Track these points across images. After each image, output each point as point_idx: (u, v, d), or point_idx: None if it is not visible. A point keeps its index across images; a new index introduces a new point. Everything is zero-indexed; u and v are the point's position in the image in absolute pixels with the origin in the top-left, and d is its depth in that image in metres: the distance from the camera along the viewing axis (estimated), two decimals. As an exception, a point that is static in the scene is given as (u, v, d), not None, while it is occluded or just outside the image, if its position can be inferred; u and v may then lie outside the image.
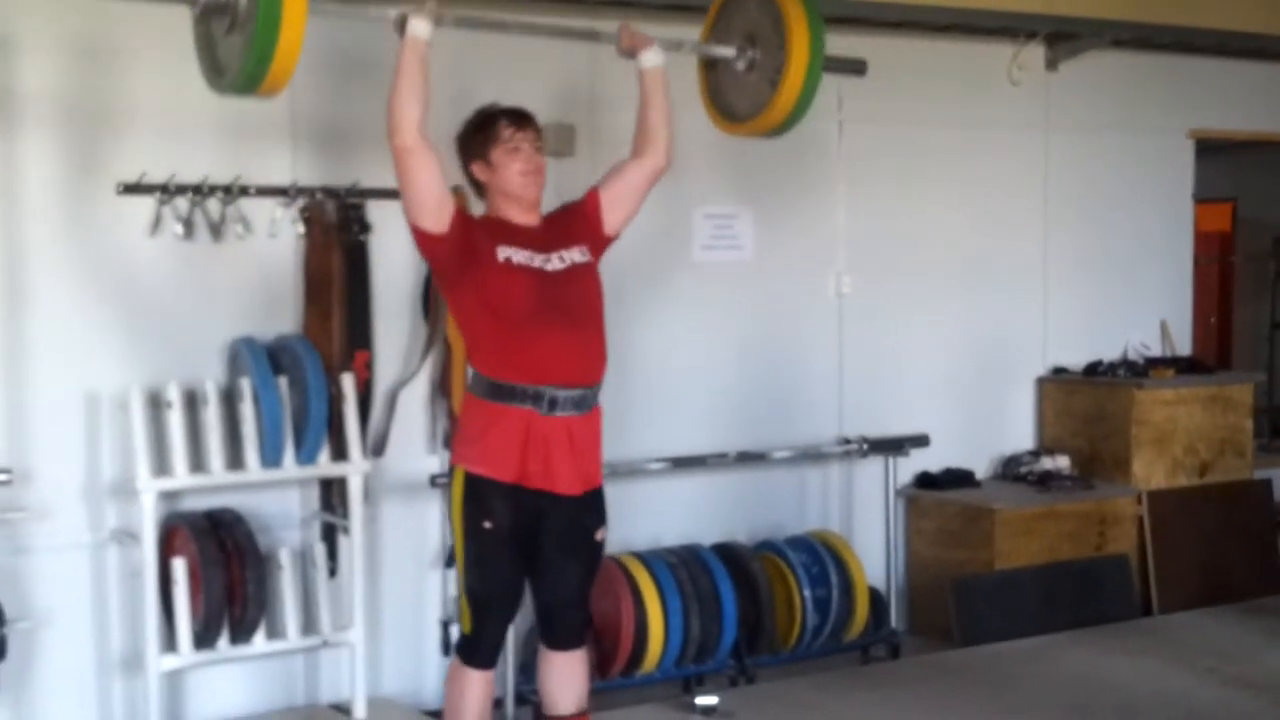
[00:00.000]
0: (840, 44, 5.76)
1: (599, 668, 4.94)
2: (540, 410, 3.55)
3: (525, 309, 3.55)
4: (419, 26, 3.45)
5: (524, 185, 3.65)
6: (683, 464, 5.41)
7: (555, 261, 3.62)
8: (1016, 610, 5.76)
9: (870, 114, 5.91)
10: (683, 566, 5.15)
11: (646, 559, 5.13)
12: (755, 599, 5.21)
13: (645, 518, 5.42)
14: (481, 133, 3.69)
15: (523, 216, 3.68)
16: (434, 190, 3.49)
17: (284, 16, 3.17)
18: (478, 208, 3.83)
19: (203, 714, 4.65)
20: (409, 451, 4.94)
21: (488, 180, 3.69)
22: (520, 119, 3.70)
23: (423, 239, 3.58)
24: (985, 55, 6.21)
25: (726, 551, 5.33)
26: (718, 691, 4.95)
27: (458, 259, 3.57)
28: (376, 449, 4.82)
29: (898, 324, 6.06)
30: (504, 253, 3.58)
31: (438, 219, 3.52)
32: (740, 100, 4.03)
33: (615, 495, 5.19)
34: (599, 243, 3.76)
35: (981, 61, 6.21)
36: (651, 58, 3.77)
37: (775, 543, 5.50)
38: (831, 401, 5.91)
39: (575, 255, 3.67)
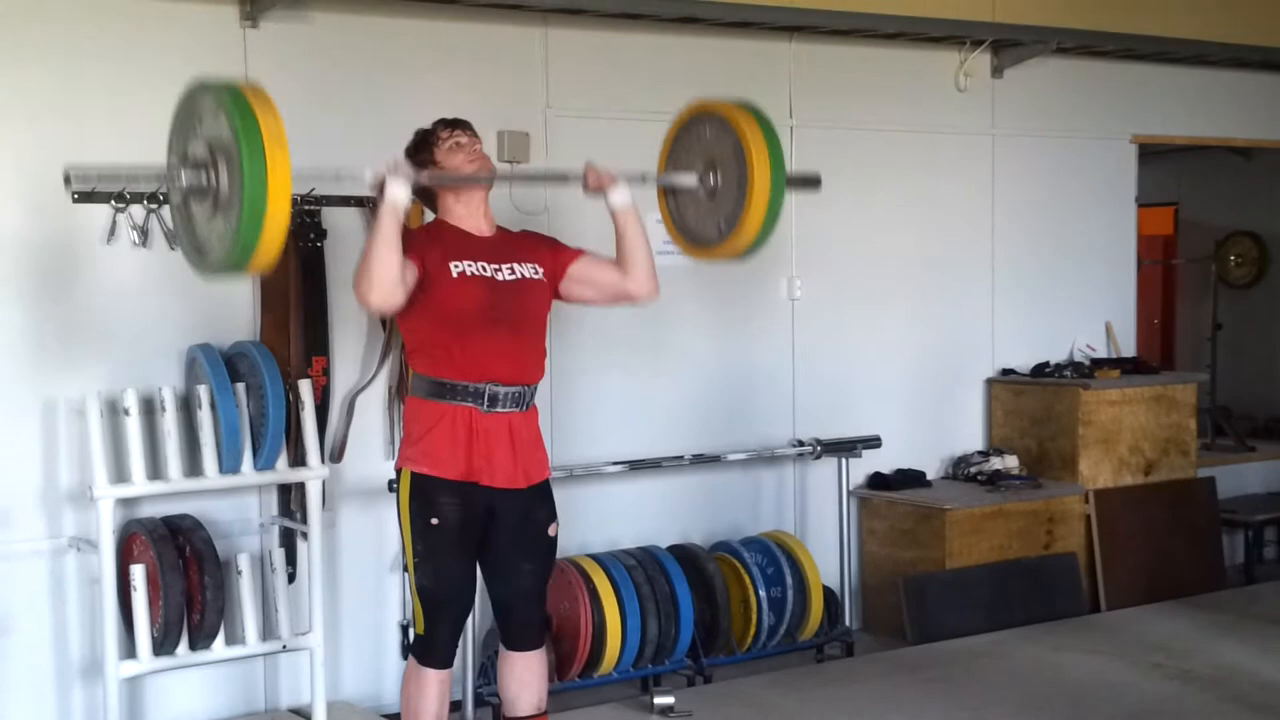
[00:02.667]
0: (790, 50, 5.88)
1: (557, 669, 4.98)
2: (481, 407, 3.64)
3: (472, 313, 3.65)
4: (398, 194, 3.48)
5: (471, 169, 3.75)
6: (639, 466, 5.45)
7: (505, 273, 3.72)
8: (968, 608, 5.85)
9: (820, 120, 5.99)
10: (639, 568, 5.20)
11: (603, 561, 5.19)
12: (711, 599, 5.27)
13: (602, 520, 5.47)
14: (423, 142, 3.82)
15: (474, 222, 3.77)
16: (408, 290, 3.59)
17: (269, 209, 3.08)
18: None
19: (162, 720, 4.66)
20: (367, 456, 4.97)
21: (435, 189, 3.78)
22: (455, 122, 3.83)
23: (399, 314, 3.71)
24: (932, 62, 6.30)
25: (683, 553, 5.39)
26: (675, 691, 5.00)
27: (418, 289, 3.65)
28: (334, 454, 4.84)
29: (849, 327, 6.14)
30: (457, 267, 3.67)
31: (408, 287, 3.61)
32: (704, 226, 3.99)
33: (572, 498, 5.27)
34: (552, 283, 3.85)
35: (929, 68, 6.30)
36: (619, 197, 3.80)
37: (731, 544, 5.56)
38: (785, 404, 5.98)
39: (527, 271, 3.77)
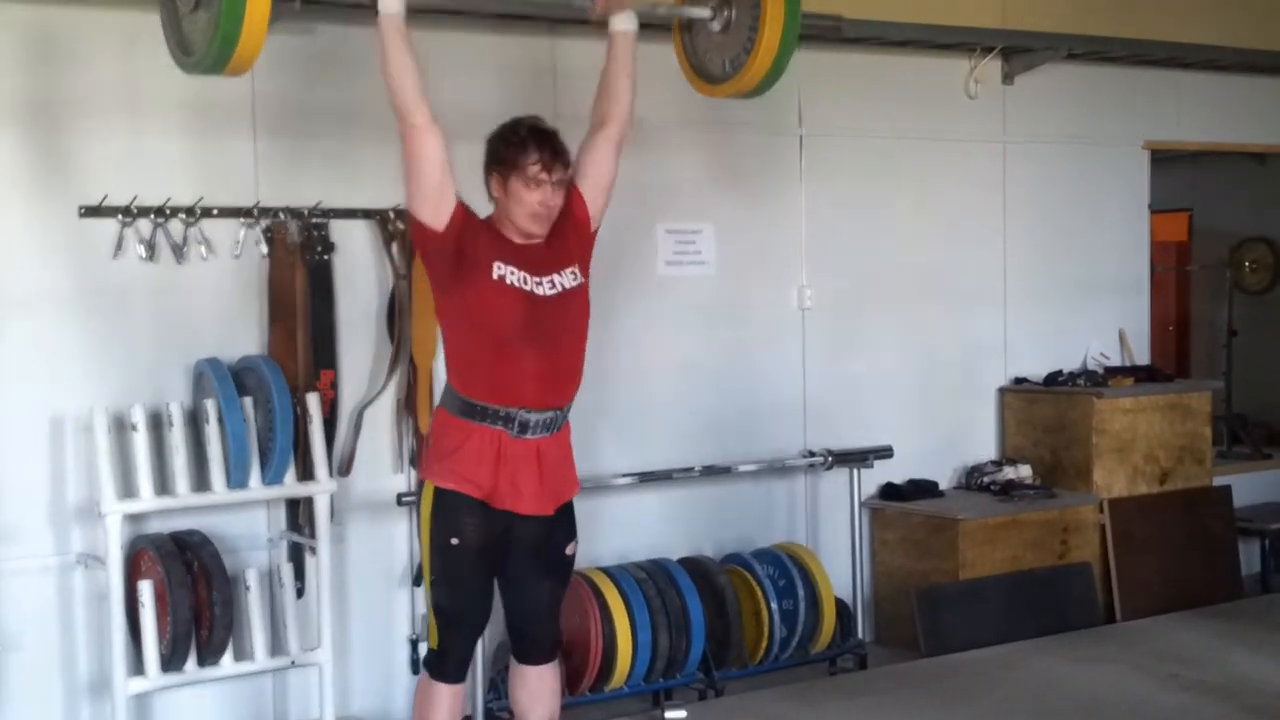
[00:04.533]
0: (798, 58, 5.83)
1: (568, 683, 4.95)
2: (511, 432, 3.57)
3: (509, 330, 3.54)
4: (389, 2, 3.46)
5: (529, 223, 3.61)
6: (649, 478, 5.42)
7: (547, 286, 3.61)
8: (981, 619, 5.80)
9: (831, 128, 5.96)
10: (650, 581, 5.17)
11: (614, 574, 5.16)
12: (723, 612, 5.24)
13: (612, 533, 5.44)
14: (510, 150, 3.61)
15: (526, 239, 3.65)
16: (434, 173, 3.48)
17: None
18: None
19: (171, 736, 4.64)
20: (375, 471, 4.95)
21: (499, 196, 3.65)
22: (552, 157, 3.60)
23: (419, 232, 3.57)
24: (943, 70, 6.27)
25: (694, 565, 5.35)
26: (686, 705, 4.98)
27: (452, 261, 3.55)
28: (343, 468, 4.82)
29: (861, 336, 6.11)
30: (499, 269, 3.55)
31: (436, 212, 3.50)
32: (716, 62, 4.05)
33: (582, 510, 5.21)
34: (588, 247, 3.74)
35: (939, 76, 6.27)
36: (625, 22, 3.76)
37: (742, 555, 5.53)
38: (796, 414, 5.94)
39: (567, 279, 3.65)
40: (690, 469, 5.51)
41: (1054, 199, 6.64)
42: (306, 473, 4.60)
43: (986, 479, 6.29)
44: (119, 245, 4.51)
